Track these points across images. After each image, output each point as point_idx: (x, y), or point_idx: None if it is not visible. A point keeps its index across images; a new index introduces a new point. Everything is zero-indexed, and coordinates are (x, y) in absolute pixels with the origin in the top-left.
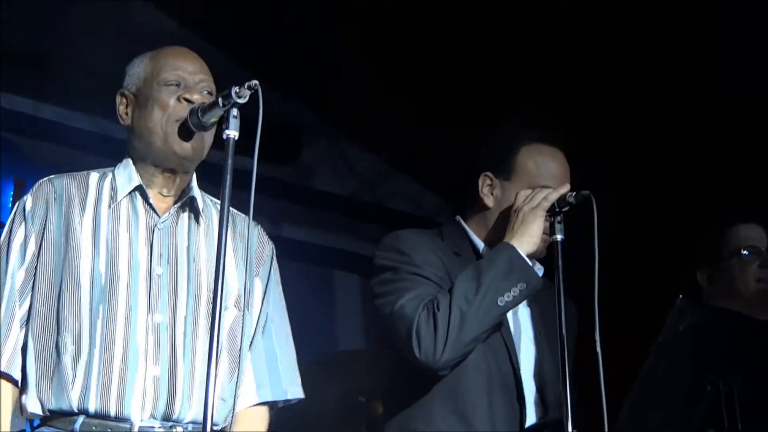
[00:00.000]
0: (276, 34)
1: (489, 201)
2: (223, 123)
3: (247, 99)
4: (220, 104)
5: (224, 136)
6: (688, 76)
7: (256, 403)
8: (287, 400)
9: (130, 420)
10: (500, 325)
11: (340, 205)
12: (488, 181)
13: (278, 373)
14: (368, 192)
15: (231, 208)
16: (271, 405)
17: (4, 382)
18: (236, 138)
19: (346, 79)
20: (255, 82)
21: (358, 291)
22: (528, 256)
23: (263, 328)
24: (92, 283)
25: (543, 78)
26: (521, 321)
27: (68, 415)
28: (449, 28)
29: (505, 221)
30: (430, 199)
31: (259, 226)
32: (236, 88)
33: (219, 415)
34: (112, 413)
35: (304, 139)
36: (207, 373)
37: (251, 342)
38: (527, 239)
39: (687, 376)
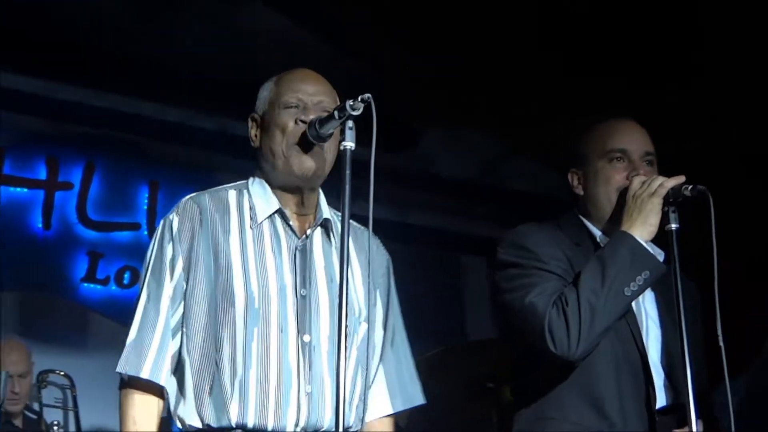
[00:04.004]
0: (387, 24)
1: (580, 191)
2: (340, 134)
3: (361, 111)
4: (336, 117)
5: (341, 147)
6: None
7: (389, 414)
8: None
9: None
10: (625, 312)
11: (463, 189)
12: (575, 176)
13: (405, 383)
14: (489, 174)
15: (352, 222)
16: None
17: (153, 398)
18: (353, 149)
19: (462, 64)
20: (368, 95)
21: (485, 273)
22: None
23: (391, 340)
24: (246, 305)
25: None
26: (645, 305)
27: (226, 429)
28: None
29: (606, 204)
30: (548, 177)
31: (378, 239)
32: (350, 102)
33: (353, 421)
34: (269, 428)
35: (424, 126)
36: (336, 382)
37: (381, 353)
38: (646, 228)
39: None
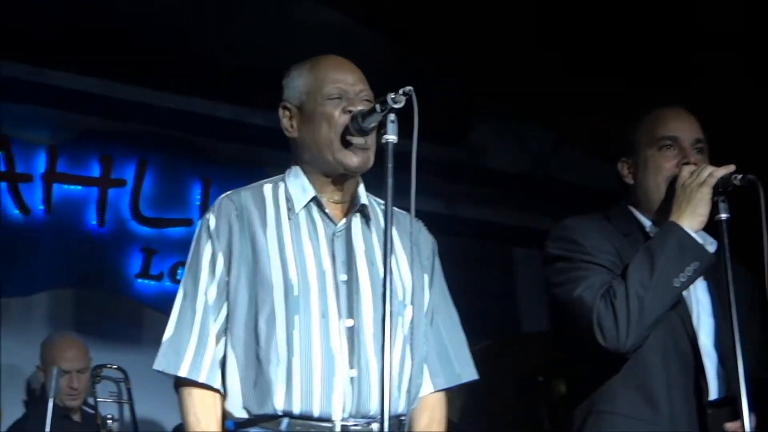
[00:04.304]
0: (437, 14)
1: (630, 180)
2: (381, 128)
3: (402, 104)
4: (378, 110)
5: (383, 141)
6: None
7: (431, 392)
8: (461, 384)
9: (331, 419)
10: (675, 303)
11: (514, 182)
12: (625, 165)
13: (450, 360)
14: (540, 166)
15: (394, 208)
16: (447, 390)
17: (209, 393)
18: (395, 142)
19: (513, 57)
20: (409, 88)
21: (538, 266)
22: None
23: (431, 320)
24: (285, 294)
25: None
26: (698, 295)
27: (272, 417)
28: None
29: (656, 193)
30: (599, 169)
31: (421, 222)
32: (392, 95)
33: (404, 407)
34: (316, 414)
35: (474, 119)
36: (382, 366)
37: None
38: (695, 218)
39: None
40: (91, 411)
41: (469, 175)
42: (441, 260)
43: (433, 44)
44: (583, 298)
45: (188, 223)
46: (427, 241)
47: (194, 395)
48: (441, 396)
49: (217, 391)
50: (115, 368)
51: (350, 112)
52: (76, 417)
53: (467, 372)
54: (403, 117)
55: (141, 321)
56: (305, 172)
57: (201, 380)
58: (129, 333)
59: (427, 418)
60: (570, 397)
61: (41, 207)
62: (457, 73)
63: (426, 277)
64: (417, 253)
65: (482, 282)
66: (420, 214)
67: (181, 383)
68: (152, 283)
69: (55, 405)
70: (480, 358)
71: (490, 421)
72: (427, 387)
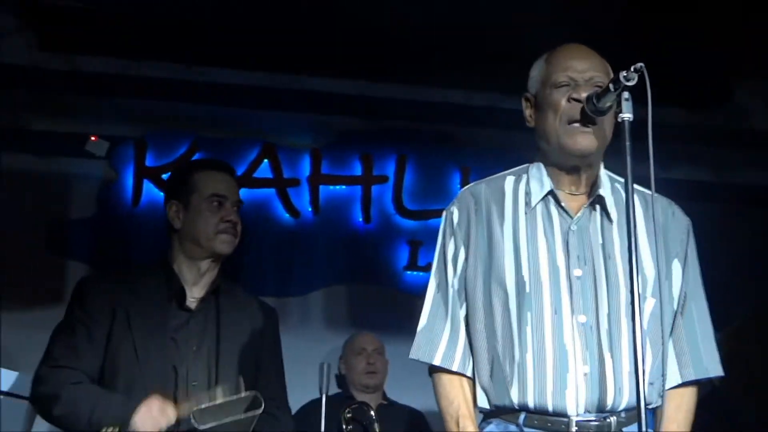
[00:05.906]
0: None
1: None
2: (616, 107)
3: (635, 81)
4: (611, 89)
5: (618, 119)
6: None
7: (679, 383)
8: (709, 378)
9: (566, 414)
10: None
11: None
12: None
13: (699, 352)
14: None
15: (643, 189)
16: (695, 383)
17: (458, 378)
18: (631, 120)
19: None
20: (640, 64)
21: None
22: None
23: (682, 308)
24: (517, 289)
25: None
26: None
27: (511, 411)
28: None
29: None
30: None
31: (675, 205)
32: (623, 73)
33: (649, 398)
34: (550, 409)
35: (735, 80)
36: (634, 363)
37: (672, 324)
38: None
39: None
40: (385, 402)
41: (735, 139)
42: (696, 239)
43: (688, 7)
44: None
45: None
46: (680, 224)
47: (445, 381)
48: (690, 390)
49: (467, 377)
50: None
51: (576, 100)
52: (372, 396)
53: (714, 367)
54: (657, 87)
55: (412, 312)
56: (544, 165)
57: (454, 369)
58: (401, 324)
59: (675, 404)
60: None
61: (309, 209)
62: (715, 35)
63: (678, 264)
64: (666, 239)
65: (755, 250)
66: (685, 183)
67: (434, 370)
68: (420, 274)
69: (353, 391)
70: (749, 328)
71: (752, 392)
72: (674, 378)
